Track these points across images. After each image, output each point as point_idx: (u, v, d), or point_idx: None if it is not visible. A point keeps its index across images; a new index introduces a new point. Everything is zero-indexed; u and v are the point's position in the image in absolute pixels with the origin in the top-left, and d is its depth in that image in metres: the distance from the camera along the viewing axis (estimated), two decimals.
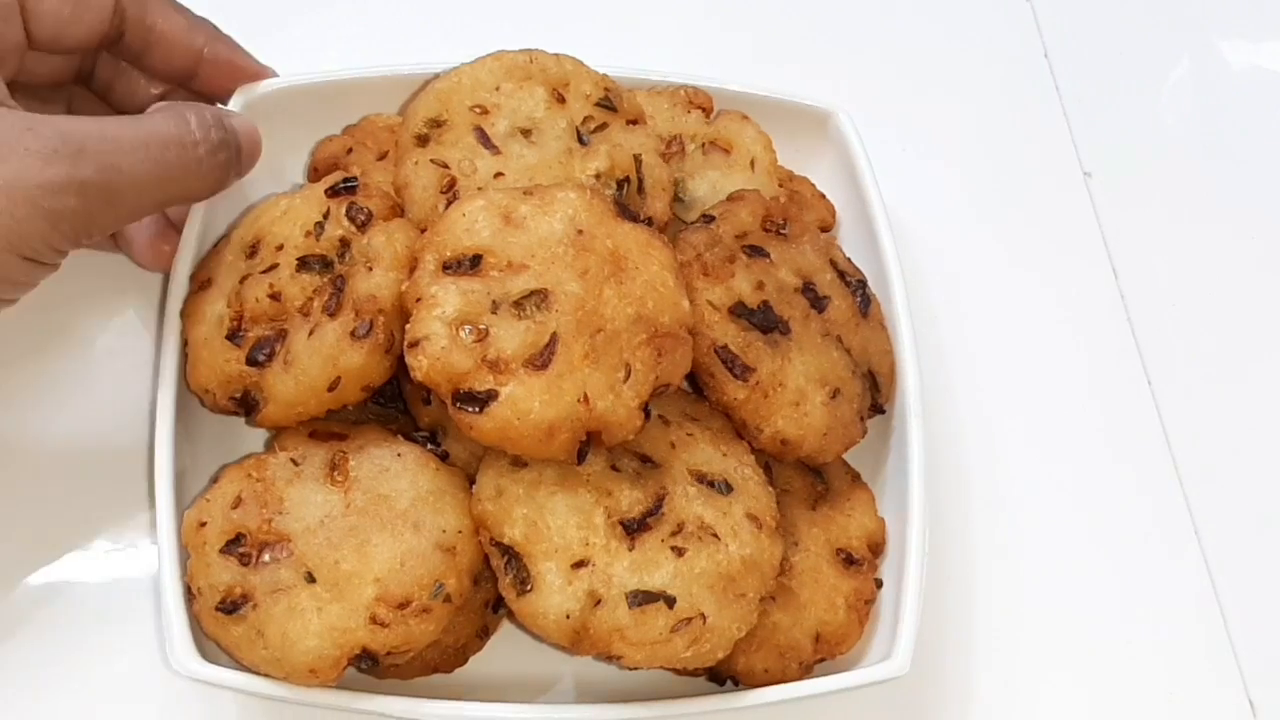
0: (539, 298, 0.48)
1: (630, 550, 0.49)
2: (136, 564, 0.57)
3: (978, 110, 0.78)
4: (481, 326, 0.47)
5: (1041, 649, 0.61)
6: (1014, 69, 0.80)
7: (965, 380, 0.67)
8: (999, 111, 0.78)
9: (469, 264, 0.49)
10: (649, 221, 0.55)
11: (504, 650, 0.55)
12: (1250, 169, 0.77)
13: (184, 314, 0.56)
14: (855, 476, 0.59)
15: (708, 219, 0.56)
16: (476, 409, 0.47)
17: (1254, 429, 0.68)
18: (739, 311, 0.54)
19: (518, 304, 0.48)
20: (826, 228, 0.65)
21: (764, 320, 0.54)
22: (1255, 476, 0.67)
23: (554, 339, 0.47)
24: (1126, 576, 0.63)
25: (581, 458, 0.48)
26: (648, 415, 0.49)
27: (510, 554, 0.48)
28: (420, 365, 0.47)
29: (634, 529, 0.49)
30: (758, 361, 0.53)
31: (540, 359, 0.47)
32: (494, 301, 0.48)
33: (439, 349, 0.47)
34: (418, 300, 0.48)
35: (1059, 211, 0.74)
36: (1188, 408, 0.68)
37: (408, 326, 0.48)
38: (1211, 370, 0.70)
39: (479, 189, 0.53)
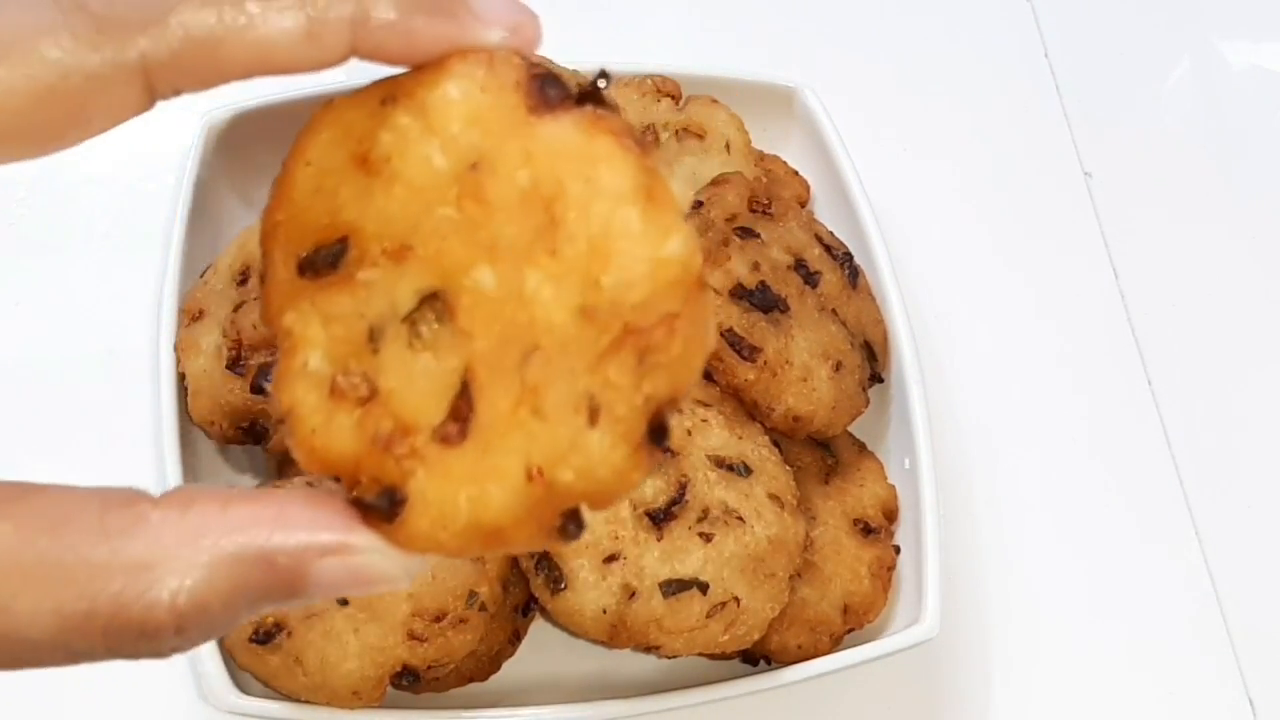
0: (435, 306, 0.29)
1: (659, 540, 0.49)
2: None
3: (977, 110, 0.78)
4: (361, 377, 0.29)
5: (1039, 650, 0.61)
6: (1014, 69, 0.80)
7: (963, 381, 0.67)
8: (999, 111, 0.78)
9: (330, 259, 0.29)
10: (592, 96, 0.28)
11: (532, 652, 0.55)
12: (1250, 169, 0.77)
13: (178, 348, 0.55)
14: (862, 447, 0.59)
15: (696, 204, 0.57)
16: (386, 520, 0.28)
17: (1254, 429, 0.69)
18: (739, 294, 0.54)
19: (410, 320, 0.29)
20: (803, 203, 0.66)
21: (764, 300, 0.55)
22: (1255, 476, 0.67)
23: (466, 386, 0.29)
24: (1126, 576, 0.63)
25: (570, 535, 0.29)
26: (662, 442, 0.28)
27: (541, 555, 0.48)
28: (298, 458, 0.29)
29: (660, 519, 0.49)
30: (763, 341, 0.54)
31: (453, 423, 0.29)
32: (371, 326, 0.29)
33: (309, 431, 0.29)
34: (273, 338, 0.30)
35: (1059, 211, 0.74)
36: (1188, 408, 0.68)
37: (269, 386, 0.31)
38: (1211, 370, 0.70)
39: (329, 104, 0.29)
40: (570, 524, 0.28)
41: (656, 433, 0.27)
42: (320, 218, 0.29)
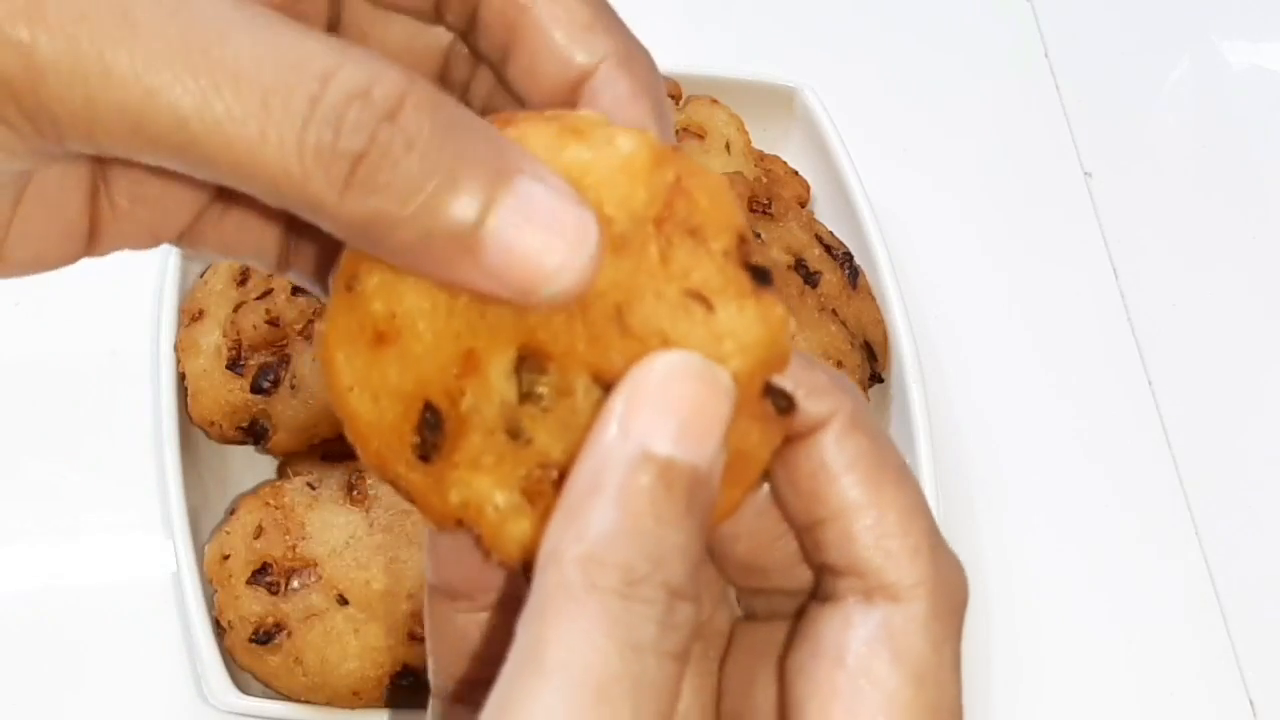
0: (529, 366, 0.28)
1: None
2: (158, 597, 0.56)
3: (978, 111, 0.78)
4: (536, 467, 0.29)
5: (1039, 650, 0.61)
6: (1014, 69, 0.80)
7: (963, 381, 0.67)
8: (999, 111, 0.78)
9: (433, 429, 0.29)
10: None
11: None
12: (1250, 169, 0.77)
13: (178, 348, 0.55)
14: None
15: None
16: None
17: (1254, 429, 0.68)
18: None
19: (526, 397, 0.28)
20: (803, 203, 0.66)
21: None
22: (1255, 476, 0.67)
23: (609, 387, 0.29)
24: (1126, 576, 0.63)
25: (784, 408, 0.29)
26: (768, 279, 0.28)
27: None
28: (505, 557, 0.29)
29: None
30: None
31: None
32: (507, 431, 0.29)
33: (515, 526, 0.28)
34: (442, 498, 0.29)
35: (1059, 211, 0.74)
36: (1188, 408, 0.68)
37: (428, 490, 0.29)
38: (1211, 370, 0.70)
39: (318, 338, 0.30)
40: (776, 398, 0.29)
41: (759, 273, 0.28)
42: (396, 412, 0.29)
